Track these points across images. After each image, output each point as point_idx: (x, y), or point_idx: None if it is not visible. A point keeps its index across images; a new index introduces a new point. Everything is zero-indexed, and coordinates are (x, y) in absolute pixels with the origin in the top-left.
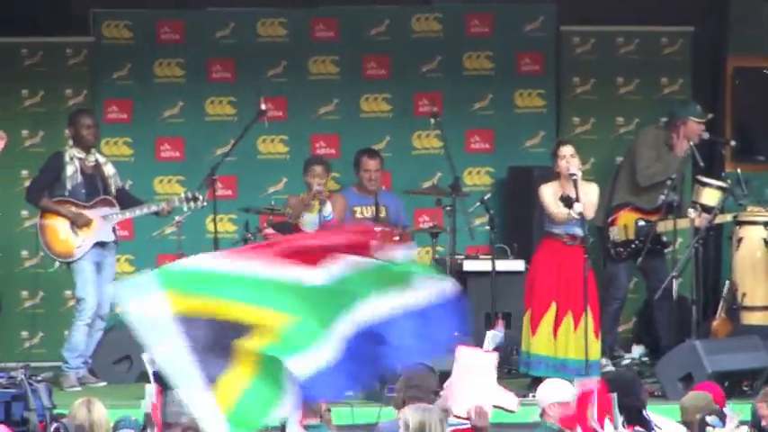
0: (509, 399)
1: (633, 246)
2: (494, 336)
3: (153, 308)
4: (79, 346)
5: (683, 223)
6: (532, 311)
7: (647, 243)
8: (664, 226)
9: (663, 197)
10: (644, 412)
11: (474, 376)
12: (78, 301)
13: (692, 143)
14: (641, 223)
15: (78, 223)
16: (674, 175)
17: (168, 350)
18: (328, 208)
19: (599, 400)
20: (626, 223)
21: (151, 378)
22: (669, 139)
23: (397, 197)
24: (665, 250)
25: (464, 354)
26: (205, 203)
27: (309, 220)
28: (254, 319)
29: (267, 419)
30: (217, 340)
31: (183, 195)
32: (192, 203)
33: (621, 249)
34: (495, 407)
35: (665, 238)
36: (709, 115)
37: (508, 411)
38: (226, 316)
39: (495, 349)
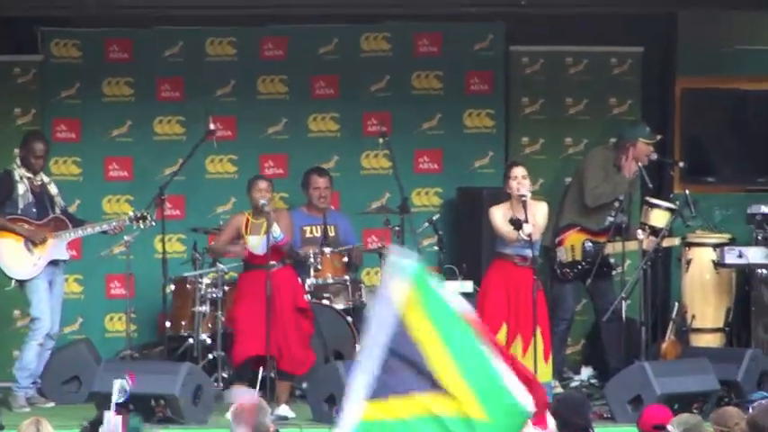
0: None
1: (580, 267)
2: None
3: (394, 293)
4: (30, 366)
5: (631, 245)
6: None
7: (595, 265)
8: (612, 248)
9: (611, 218)
10: None
11: None
12: (33, 321)
13: (640, 164)
14: (588, 245)
15: (35, 240)
16: (621, 196)
17: (369, 341)
18: (277, 229)
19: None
20: (573, 244)
21: (113, 407)
22: (618, 161)
23: (345, 217)
24: (613, 272)
25: None
26: (153, 223)
27: (257, 243)
28: (452, 387)
29: None
30: (411, 368)
31: (131, 214)
32: (140, 222)
33: (568, 270)
34: None
35: (612, 260)
36: (658, 136)
37: None
38: (433, 358)
39: None
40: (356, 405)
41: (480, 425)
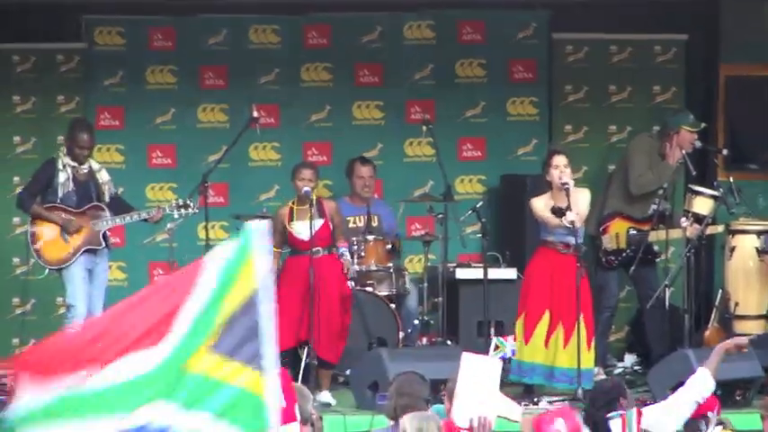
0: (512, 408)
1: (624, 255)
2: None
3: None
4: None
5: (674, 233)
6: (525, 319)
7: (639, 253)
8: (655, 236)
9: (654, 206)
10: (609, 423)
11: (477, 384)
12: (68, 308)
13: (684, 152)
14: (633, 232)
15: (69, 229)
16: (665, 184)
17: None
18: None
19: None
20: (618, 232)
21: None
22: (662, 149)
23: (388, 207)
24: (656, 260)
25: (468, 361)
26: (196, 210)
27: (301, 228)
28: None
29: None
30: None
31: (173, 202)
32: (182, 210)
33: (612, 258)
34: (498, 416)
35: (656, 248)
36: (702, 124)
37: (511, 421)
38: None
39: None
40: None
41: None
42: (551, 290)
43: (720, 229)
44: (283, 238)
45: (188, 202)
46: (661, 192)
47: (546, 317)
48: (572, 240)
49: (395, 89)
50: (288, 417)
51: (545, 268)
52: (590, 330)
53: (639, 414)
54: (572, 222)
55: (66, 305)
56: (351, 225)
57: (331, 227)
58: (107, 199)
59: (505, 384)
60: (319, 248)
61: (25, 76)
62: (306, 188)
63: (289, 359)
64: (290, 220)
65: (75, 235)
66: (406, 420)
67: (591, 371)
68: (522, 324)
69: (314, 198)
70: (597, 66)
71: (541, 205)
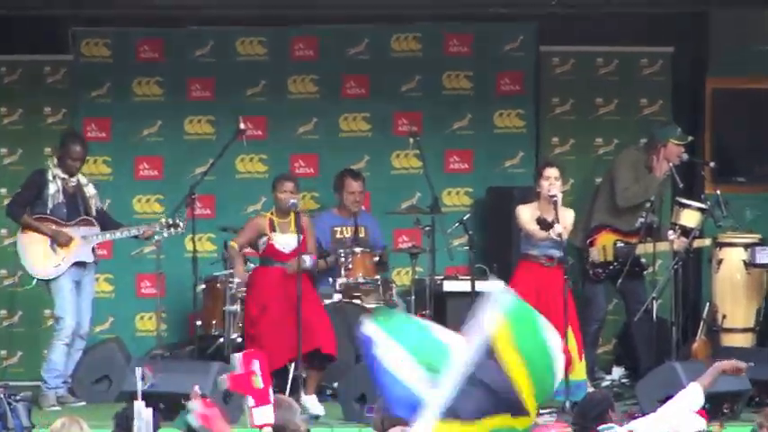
0: None
1: (612, 267)
2: None
3: (488, 324)
4: (58, 366)
5: (662, 246)
6: None
7: (626, 266)
8: (643, 248)
9: (642, 219)
10: None
11: None
12: (57, 320)
13: (671, 165)
14: (620, 245)
15: (59, 241)
16: (652, 197)
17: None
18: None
19: None
20: (605, 245)
21: (139, 395)
22: (649, 161)
23: (374, 219)
24: (644, 272)
25: None
26: (182, 230)
27: (284, 240)
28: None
29: None
30: (490, 395)
31: (163, 221)
32: (171, 230)
33: (600, 271)
34: None
35: (643, 261)
36: (690, 137)
37: None
38: (522, 389)
39: None
40: (428, 422)
41: None
42: (537, 304)
43: (708, 242)
44: (255, 246)
45: (177, 221)
46: (648, 204)
47: None
48: (556, 253)
49: (382, 101)
50: (263, 399)
51: (529, 282)
52: (579, 342)
53: None
54: (559, 235)
55: (54, 317)
56: (338, 236)
57: (309, 242)
58: (94, 213)
59: None
60: (293, 264)
61: (12, 88)
62: (292, 200)
63: (279, 377)
64: (272, 231)
65: (65, 247)
66: None
67: (584, 382)
68: None
69: (301, 212)
70: (584, 78)
71: (527, 216)
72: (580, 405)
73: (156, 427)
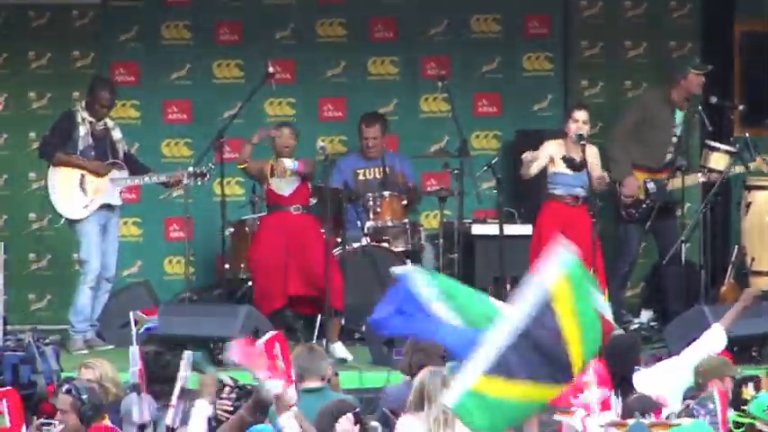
0: None
1: (644, 206)
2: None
3: (549, 279)
4: (84, 310)
5: (690, 180)
6: None
7: (658, 203)
8: (672, 184)
9: (669, 156)
10: (631, 378)
11: None
12: (82, 264)
13: (700, 108)
14: (650, 183)
15: (100, 172)
16: (678, 132)
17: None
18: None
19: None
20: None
21: (134, 340)
22: (670, 97)
23: (402, 157)
24: (677, 212)
25: None
26: (210, 179)
27: (281, 185)
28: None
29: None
30: (542, 356)
31: (190, 170)
32: (199, 179)
33: (632, 211)
34: None
35: (675, 198)
36: (709, 66)
37: None
38: (571, 345)
39: None
40: (472, 374)
41: None
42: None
43: (741, 169)
44: (257, 173)
45: (204, 171)
46: (674, 140)
47: None
48: (581, 193)
49: (410, 45)
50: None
51: (555, 223)
52: (603, 283)
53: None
54: (600, 178)
55: (79, 261)
56: (360, 178)
57: (309, 185)
58: (121, 156)
59: None
60: (299, 206)
61: (40, 32)
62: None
63: (279, 320)
64: (271, 175)
65: (94, 188)
66: (422, 376)
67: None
68: None
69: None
70: (612, 21)
71: (549, 149)
72: (613, 348)
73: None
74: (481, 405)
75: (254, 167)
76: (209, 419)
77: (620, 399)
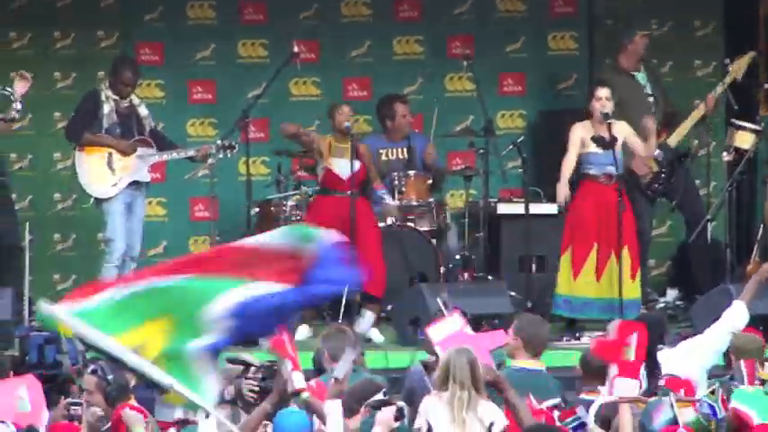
0: None
1: (663, 175)
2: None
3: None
4: None
5: (688, 122)
6: (573, 254)
7: (674, 165)
8: (677, 136)
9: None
10: (655, 354)
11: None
12: (107, 243)
13: (726, 86)
14: (656, 152)
15: (127, 151)
16: (649, 91)
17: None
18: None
19: (638, 343)
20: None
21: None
22: (620, 66)
23: (426, 138)
24: (689, 159)
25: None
26: (236, 150)
27: (341, 165)
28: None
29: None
30: None
31: (219, 143)
32: (227, 152)
33: (655, 186)
34: None
35: (687, 149)
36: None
37: None
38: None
39: None
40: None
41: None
42: (598, 223)
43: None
44: (307, 144)
45: (233, 143)
46: (651, 99)
47: (594, 251)
48: (612, 171)
49: (435, 24)
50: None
51: (590, 202)
52: (635, 260)
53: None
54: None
55: (104, 240)
56: (383, 158)
57: (366, 170)
58: (147, 132)
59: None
60: (355, 190)
61: (65, 12)
62: (347, 123)
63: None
64: (330, 155)
65: (123, 166)
66: (447, 355)
67: (637, 301)
68: (570, 259)
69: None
70: (636, 0)
71: (575, 136)
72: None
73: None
74: None
75: (307, 139)
76: (236, 400)
77: (645, 374)
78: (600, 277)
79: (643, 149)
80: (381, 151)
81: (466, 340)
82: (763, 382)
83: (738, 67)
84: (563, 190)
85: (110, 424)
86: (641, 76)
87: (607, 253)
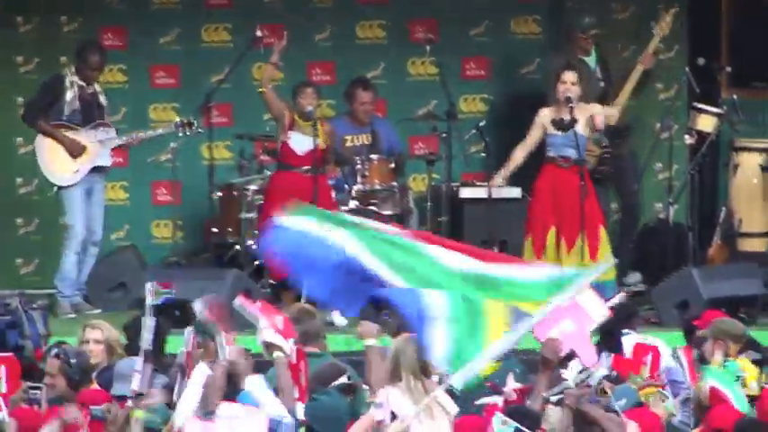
0: (587, 356)
1: (606, 156)
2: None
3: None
4: (70, 274)
5: (627, 88)
6: (533, 239)
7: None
8: (621, 99)
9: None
10: (619, 336)
11: (577, 319)
12: (67, 229)
13: (687, 70)
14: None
15: (73, 152)
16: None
17: None
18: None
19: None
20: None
21: (148, 311)
22: (577, 54)
23: (389, 124)
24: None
25: (585, 295)
26: (200, 130)
27: (299, 140)
28: None
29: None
30: None
31: (177, 121)
32: (187, 129)
33: (602, 168)
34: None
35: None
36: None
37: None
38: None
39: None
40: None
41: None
42: (554, 206)
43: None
44: (276, 112)
45: (192, 120)
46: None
47: (551, 234)
48: (572, 153)
49: (398, 8)
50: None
51: (547, 185)
52: (593, 244)
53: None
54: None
55: (64, 225)
56: (348, 144)
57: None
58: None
59: None
60: (310, 167)
61: None
62: (309, 107)
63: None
64: (291, 129)
65: (78, 157)
66: (395, 346)
67: (611, 282)
68: (531, 244)
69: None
70: None
71: (542, 118)
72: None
73: (159, 335)
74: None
75: (275, 102)
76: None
77: (609, 355)
78: (565, 261)
79: (608, 118)
80: (346, 137)
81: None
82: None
83: (663, 26)
84: (501, 173)
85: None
86: (592, 60)
87: (570, 237)
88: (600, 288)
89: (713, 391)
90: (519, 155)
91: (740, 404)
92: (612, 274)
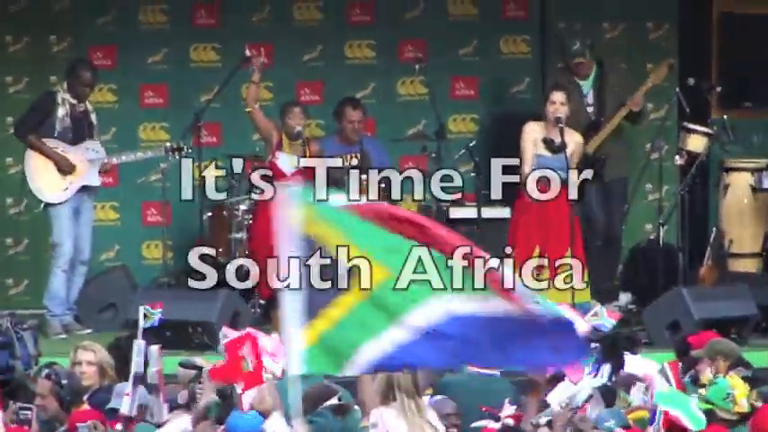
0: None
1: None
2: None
3: (294, 220)
4: (58, 294)
5: (607, 129)
6: (516, 258)
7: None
8: (594, 143)
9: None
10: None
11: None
12: (54, 247)
13: (678, 90)
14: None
15: (63, 168)
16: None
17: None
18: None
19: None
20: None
21: (140, 334)
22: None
23: (379, 143)
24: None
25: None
26: (189, 151)
27: (286, 160)
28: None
29: (339, 367)
30: (326, 274)
31: (167, 145)
32: (176, 153)
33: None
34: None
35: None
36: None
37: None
38: (351, 256)
39: None
40: (297, 334)
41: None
42: (538, 226)
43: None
44: (264, 132)
45: (181, 145)
46: (590, 100)
47: (536, 253)
48: (561, 175)
49: (387, 28)
50: (254, 381)
51: (529, 205)
52: (583, 263)
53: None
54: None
55: (52, 244)
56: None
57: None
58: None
59: None
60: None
61: (18, 16)
62: (298, 127)
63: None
64: (278, 149)
65: (68, 174)
66: None
67: (587, 304)
68: (513, 263)
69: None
70: (589, 3)
71: (532, 135)
72: (607, 337)
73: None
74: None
75: (262, 121)
76: (189, 404)
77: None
78: (551, 282)
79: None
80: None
81: None
82: (703, 386)
83: (657, 76)
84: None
85: (65, 428)
86: (587, 84)
87: (554, 257)
88: (577, 308)
89: (665, 415)
90: (529, 165)
91: (695, 423)
92: (587, 296)
